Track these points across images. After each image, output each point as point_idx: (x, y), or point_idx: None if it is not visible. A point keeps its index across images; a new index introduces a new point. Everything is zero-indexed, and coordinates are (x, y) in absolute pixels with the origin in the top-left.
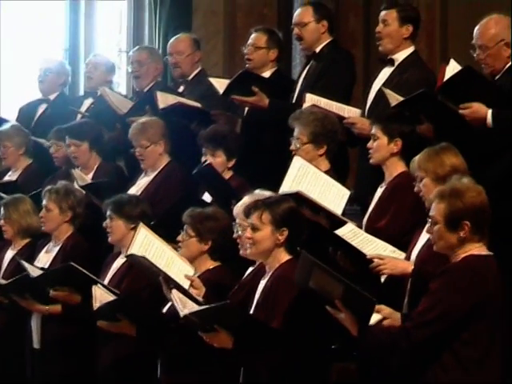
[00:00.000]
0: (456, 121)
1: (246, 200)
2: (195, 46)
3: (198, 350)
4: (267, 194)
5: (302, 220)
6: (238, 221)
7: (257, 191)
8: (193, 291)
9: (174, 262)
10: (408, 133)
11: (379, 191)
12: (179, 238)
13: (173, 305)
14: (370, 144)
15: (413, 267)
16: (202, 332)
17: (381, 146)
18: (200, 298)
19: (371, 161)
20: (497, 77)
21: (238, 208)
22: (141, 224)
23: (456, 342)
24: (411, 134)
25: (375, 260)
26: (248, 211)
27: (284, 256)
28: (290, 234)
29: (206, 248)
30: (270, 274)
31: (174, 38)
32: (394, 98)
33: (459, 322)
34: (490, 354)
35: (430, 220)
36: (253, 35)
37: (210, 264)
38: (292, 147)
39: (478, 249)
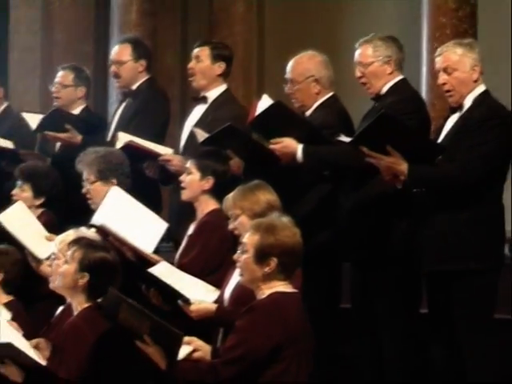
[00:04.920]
0: (264, 156)
1: (70, 233)
2: None
3: None
4: (89, 233)
5: (111, 272)
6: (55, 250)
7: (82, 228)
8: None
9: None
10: (221, 172)
11: (191, 228)
12: None
13: None
14: (182, 177)
15: (217, 306)
16: None
17: (192, 181)
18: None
19: (182, 197)
20: (307, 112)
21: (60, 238)
22: None
23: (262, 380)
24: (224, 173)
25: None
26: (70, 244)
27: (84, 302)
28: (91, 281)
29: None
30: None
31: None
32: (202, 136)
33: (262, 362)
34: None
35: (240, 247)
36: (59, 73)
37: (5, 298)
38: (84, 191)
39: (283, 286)
